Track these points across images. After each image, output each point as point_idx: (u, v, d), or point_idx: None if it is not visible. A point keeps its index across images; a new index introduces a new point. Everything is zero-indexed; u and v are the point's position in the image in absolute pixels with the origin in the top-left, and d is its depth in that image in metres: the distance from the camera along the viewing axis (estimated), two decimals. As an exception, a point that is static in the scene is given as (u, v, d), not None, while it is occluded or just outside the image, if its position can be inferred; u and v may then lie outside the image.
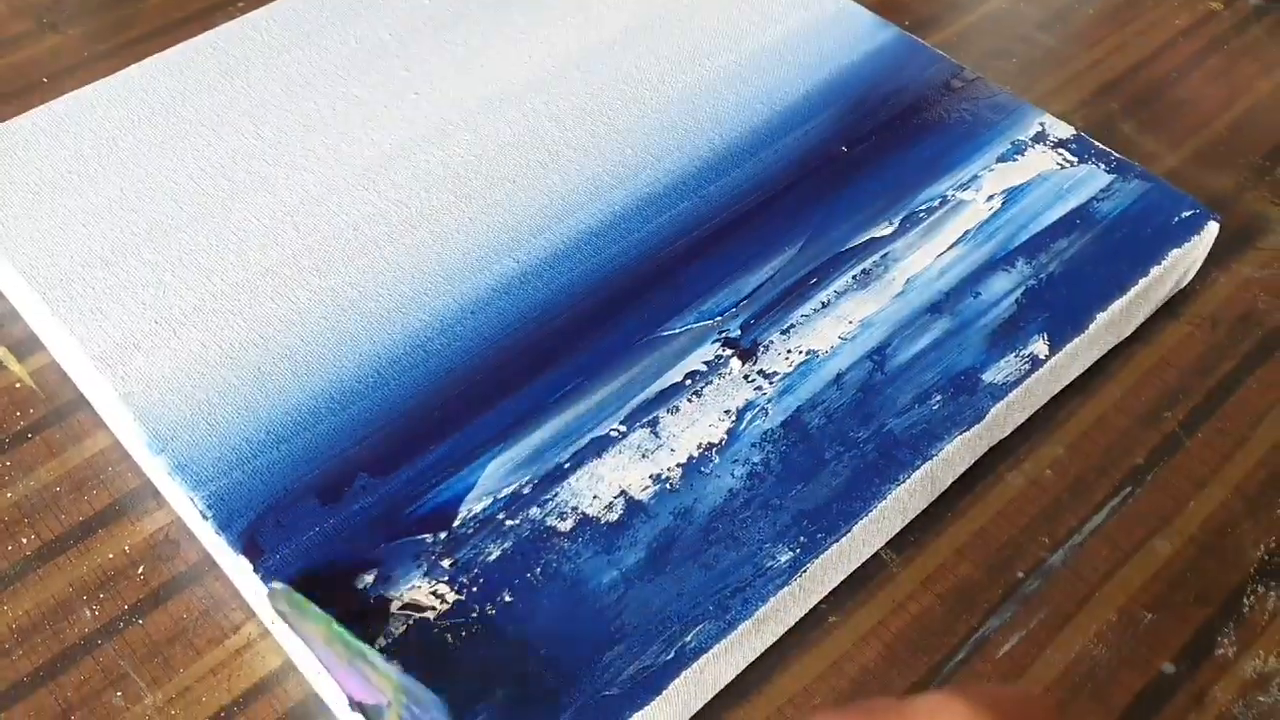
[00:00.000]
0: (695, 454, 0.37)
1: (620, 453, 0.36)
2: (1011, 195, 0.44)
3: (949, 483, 0.39)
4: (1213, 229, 0.44)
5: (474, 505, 0.35)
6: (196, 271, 0.40)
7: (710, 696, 0.34)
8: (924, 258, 0.42)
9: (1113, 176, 0.45)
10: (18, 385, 0.41)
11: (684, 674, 0.32)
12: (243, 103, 0.46)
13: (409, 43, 0.48)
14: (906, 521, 0.38)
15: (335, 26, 0.49)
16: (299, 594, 0.32)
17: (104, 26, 0.53)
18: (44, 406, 0.40)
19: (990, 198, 0.44)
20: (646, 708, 0.31)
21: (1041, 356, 0.39)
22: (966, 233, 0.43)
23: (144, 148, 0.44)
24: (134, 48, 0.52)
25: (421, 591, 0.33)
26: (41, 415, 0.40)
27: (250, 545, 0.34)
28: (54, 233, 0.41)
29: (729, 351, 0.39)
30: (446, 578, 0.34)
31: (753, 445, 0.37)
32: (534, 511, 0.35)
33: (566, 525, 0.35)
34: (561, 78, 0.47)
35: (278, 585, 0.32)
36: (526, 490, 0.36)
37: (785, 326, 0.40)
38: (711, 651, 0.33)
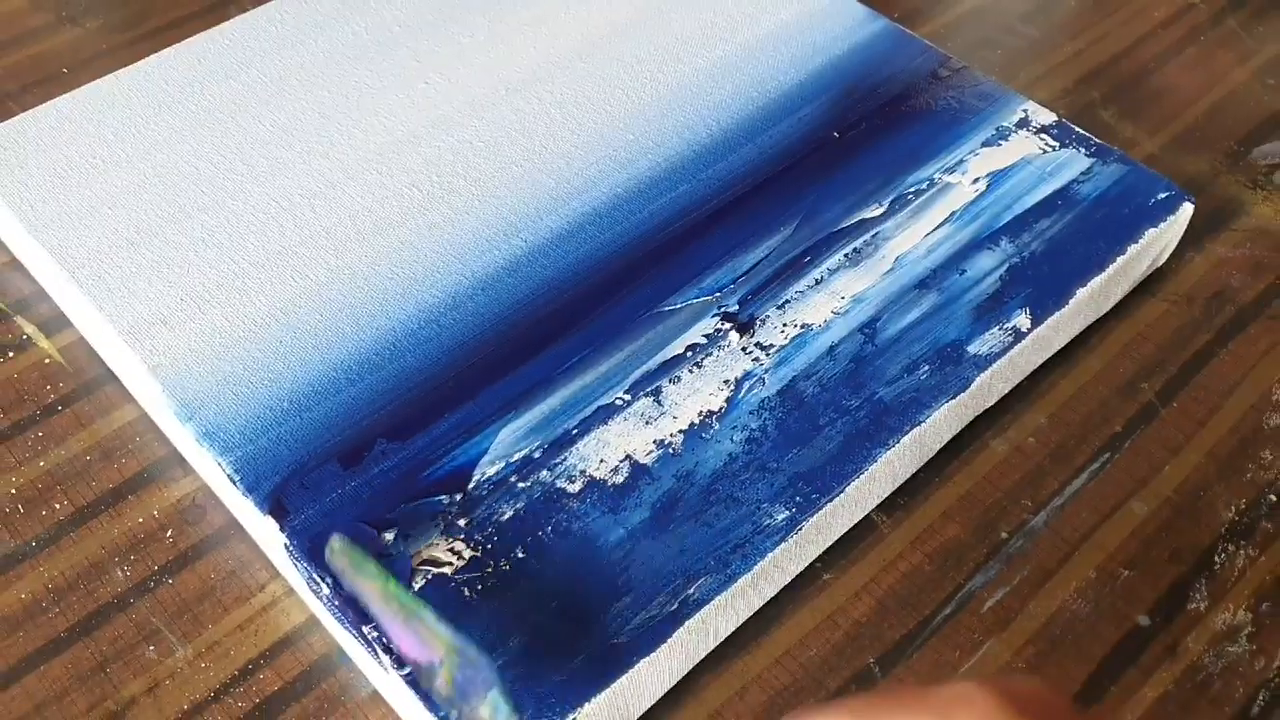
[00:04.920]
0: (696, 420, 0.39)
1: (625, 420, 0.38)
2: (996, 178, 0.46)
3: (937, 448, 0.41)
4: (1188, 210, 0.46)
5: (487, 469, 0.37)
6: (218, 251, 0.42)
7: (713, 646, 0.36)
8: (912, 237, 0.44)
9: (1092, 160, 0.47)
10: (47, 361, 0.43)
11: (687, 624, 0.34)
12: (259, 91, 0.47)
13: (418, 34, 0.50)
14: (897, 485, 0.40)
15: (345, 18, 0.51)
16: (359, 550, 0.33)
17: (120, 20, 0.55)
18: (72, 381, 0.42)
19: (975, 180, 0.46)
20: (652, 655, 0.33)
21: (1024, 330, 0.41)
22: (953, 213, 0.45)
23: (165, 134, 0.46)
24: (150, 40, 0.54)
25: (439, 548, 0.35)
26: (71, 389, 0.42)
27: (276, 506, 0.36)
28: (81, 215, 0.43)
29: (728, 325, 0.41)
30: (463, 536, 0.36)
31: (751, 412, 0.39)
32: (544, 474, 0.37)
33: (575, 487, 0.37)
34: (565, 68, 0.49)
35: (337, 541, 0.34)
36: (537, 455, 0.38)
37: (781, 302, 0.42)
38: (713, 603, 0.35)
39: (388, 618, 0.32)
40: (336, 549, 0.33)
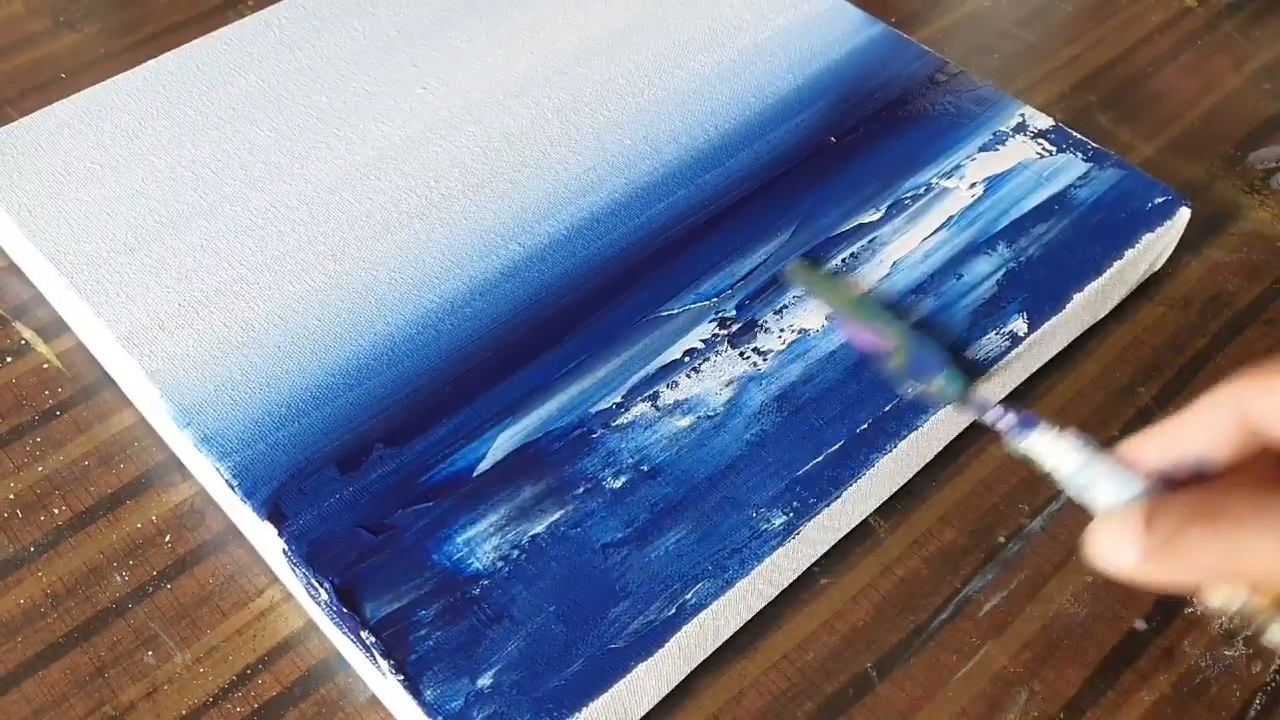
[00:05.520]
0: (694, 425, 0.39)
1: (622, 425, 0.38)
2: (993, 182, 0.46)
3: (934, 453, 0.41)
4: (1184, 214, 0.46)
5: (486, 473, 0.37)
6: (217, 256, 0.42)
7: (711, 650, 0.36)
8: (909, 242, 0.44)
9: (1089, 164, 0.47)
10: (45, 366, 0.43)
11: (685, 628, 0.34)
12: (257, 96, 0.48)
13: (415, 39, 0.50)
14: (894, 490, 0.40)
15: (343, 23, 0.51)
16: (816, 268, 0.40)
17: (118, 25, 0.55)
18: (71, 386, 0.42)
19: (973, 185, 0.46)
20: (650, 659, 0.33)
21: (1021, 334, 0.42)
22: (950, 218, 0.45)
23: (163, 139, 0.46)
24: (147, 45, 0.54)
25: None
26: (69, 394, 0.42)
27: (274, 511, 0.36)
28: (79, 220, 0.43)
29: (725, 330, 0.41)
30: (460, 541, 0.36)
31: (748, 417, 0.39)
32: (542, 479, 0.37)
33: (573, 491, 0.37)
34: (563, 73, 0.49)
35: (797, 262, 0.41)
36: (535, 460, 0.38)
37: (778, 307, 0.42)
38: (710, 608, 0.35)
39: (848, 322, 0.40)
40: (797, 267, 0.40)
